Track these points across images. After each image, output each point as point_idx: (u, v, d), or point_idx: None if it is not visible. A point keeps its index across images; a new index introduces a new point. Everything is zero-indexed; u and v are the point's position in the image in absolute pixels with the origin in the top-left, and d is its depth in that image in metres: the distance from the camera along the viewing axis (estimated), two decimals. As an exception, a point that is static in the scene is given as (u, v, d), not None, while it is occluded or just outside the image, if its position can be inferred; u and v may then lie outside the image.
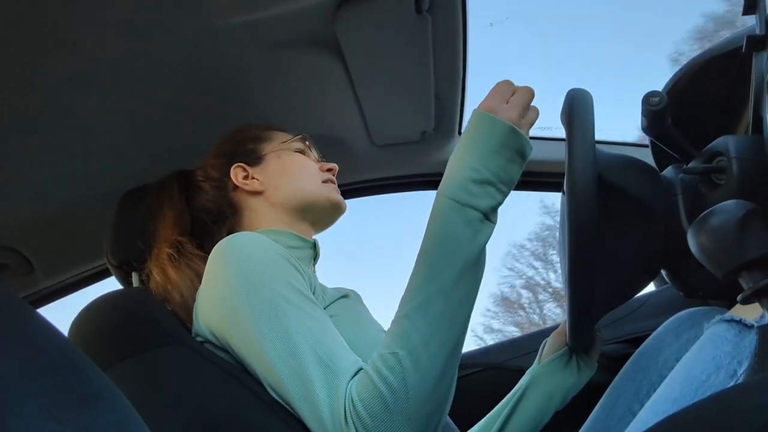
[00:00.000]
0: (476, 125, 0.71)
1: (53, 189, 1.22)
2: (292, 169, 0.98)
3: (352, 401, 0.62)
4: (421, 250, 0.68)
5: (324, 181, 0.98)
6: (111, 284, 1.17)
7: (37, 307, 1.47)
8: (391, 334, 0.65)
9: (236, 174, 0.98)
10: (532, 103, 0.75)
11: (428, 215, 0.70)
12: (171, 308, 0.87)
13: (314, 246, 0.96)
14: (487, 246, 0.70)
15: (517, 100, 0.73)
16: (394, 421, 0.60)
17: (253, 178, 0.97)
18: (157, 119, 1.15)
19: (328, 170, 1.01)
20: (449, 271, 0.65)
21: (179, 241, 0.90)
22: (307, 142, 1.04)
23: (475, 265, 0.67)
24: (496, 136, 0.70)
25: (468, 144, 0.71)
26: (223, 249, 0.76)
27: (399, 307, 0.67)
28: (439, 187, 0.70)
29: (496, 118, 0.70)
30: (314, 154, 1.05)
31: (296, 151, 1.01)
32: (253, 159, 0.99)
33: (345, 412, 0.61)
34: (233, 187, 0.98)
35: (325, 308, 0.79)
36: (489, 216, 0.69)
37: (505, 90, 0.74)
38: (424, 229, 0.69)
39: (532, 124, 0.74)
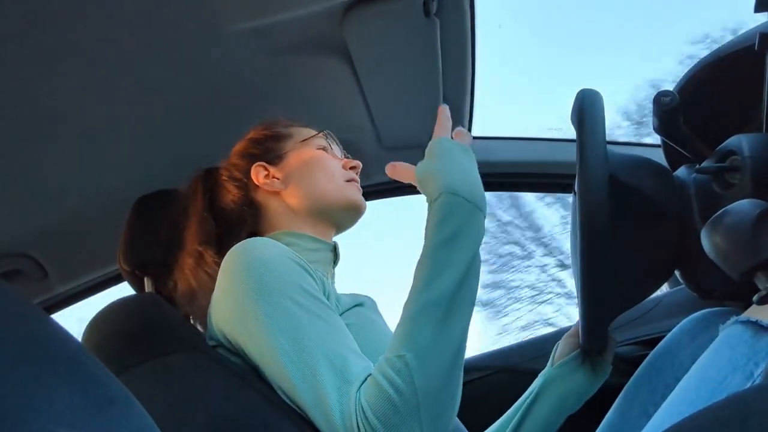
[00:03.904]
0: (444, 145, 0.79)
1: (66, 195, 1.23)
2: (313, 169, 0.95)
3: (362, 407, 0.62)
4: (425, 250, 0.70)
5: (347, 180, 0.96)
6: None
7: (51, 313, 1.49)
8: (397, 337, 0.66)
9: (257, 173, 0.96)
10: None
11: (428, 215, 0.72)
12: (188, 313, 0.87)
13: (334, 249, 0.95)
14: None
15: (459, 132, 0.82)
16: (404, 424, 0.60)
17: (274, 177, 0.95)
18: (169, 124, 1.16)
19: (352, 168, 0.98)
20: (454, 273, 0.67)
21: (199, 251, 0.90)
22: (329, 139, 1.01)
23: (476, 264, 0.70)
24: (463, 154, 0.78)
25: (445, 156, 0.77)
26: (235, 255, 0.76)
27: (404, 308, 0.68)
28: (437, 188, 0.72)
29: (456, 141, 0.80)
30: (337, 151, 1.02)
31: (318, 149, 0.98)
32: (274, 157, 0.97)
33: (355, 418, 0.61)
34: (254, 187, 0.96)
35: (339, 316, 0.78)
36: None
37: (448, 128, 0.82)
38: (427, 228, 0.71)
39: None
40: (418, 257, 0.70)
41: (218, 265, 0.85)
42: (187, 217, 0.96)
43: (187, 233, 0.94)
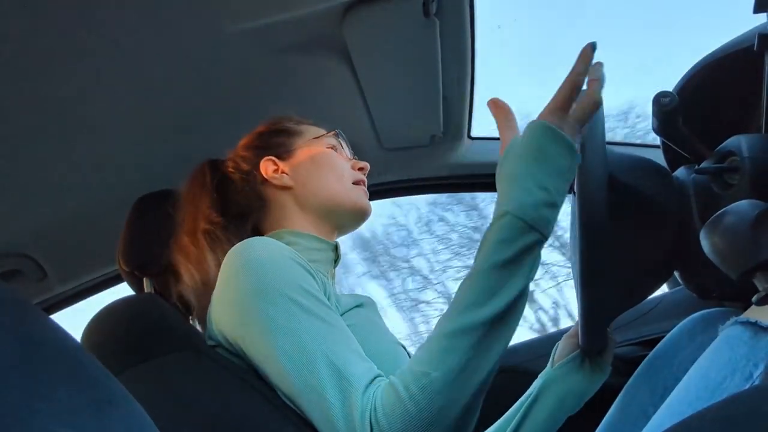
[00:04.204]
0: (545, 140, 0.67)
1: (66, 195, 1.23)
2: (322, 167, 0.95)
3: (375, 410, 0.61)
4: (479, 268, 0.65)
5: (355, 182, 0.96)
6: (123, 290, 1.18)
7: (51, 314, 1.49)
8: (428, 351, 0.63)
9: (266, 167, 0.95)
10: None
11: (489, 230, 0.66)
12: (188, 303, 0.87)
13: (336, 249, 0.95)
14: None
15: (580, 115, 0.69)
16: None
17: (282, 172, 0.95)
18: (169, 124, 1.16)
19: (360, 169, 0.98)
20: (503, 299, 0.63)
21: (216, 220, 0.89)
22: (339, 139, 1.01)
23: (526, 294, 0.66)
24: (564, 157, 0.67)
25: (538, 160, 0.67)
26: (234, 255, 0.76)
27: (441, 322, 0.65)
28: (507, 202, 0.66)
29: (565, 136, 0.67)
30: (346, 151, 1.02)
31: (328, 147, 0.98)
32: (284, 153, 0.97)
33: (367, 419, 0.61)
34: (262, 181, 0.96)
35: (340, 317, 0.78)
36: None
37: (570, 97, 0.69)
38: (484, 244, 0.66)
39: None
40: (474, 267, 0.66)
41: (227, 242, 0.85)
42: (191, 192, 0.95)
43: (193, 204, 0.93)
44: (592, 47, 0.71)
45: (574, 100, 0.70)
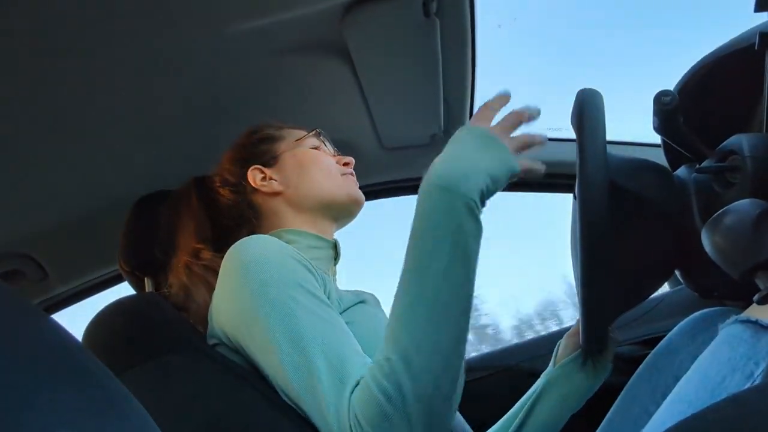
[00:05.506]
0: (459, 132, 0.74)
1: (66, 195, 1.23)
2: (309, 167, 0.97)
3: (354, 410, 0.61)
4: (406, 247, 0.67)
5: (342, 175, 0.98)
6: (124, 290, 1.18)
7: (51, 314, 1.49)
8: (385, 338, 0.64)
9: (254, 176, 0.97)
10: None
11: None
12: (186, 315, 0.87)
13: (335, 246, 0.96)
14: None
15: (503, 123, 0.76)
16: (394, 428, 0.59)
17: (271, 179, 0.97)
18: (169, 125, 1.16)
19: (345, 164, 1.00)
20: (434, 267, 0.63)
21: (197, 248, 0.91)
22: (321, 137, 1.03)
23: (464, 260, 0.64)
24: (478, 138, 0.72)
25: (453, 146, 0.72)
26: (234, 253, 0.76)
27: (390, 309, 0.66)
28: (426, 178, 0.69)
29: (479, 126, 0.74)
30: (329, 148, 1.04)
31: (312, 148, 1.00)
32: (269, 159, 0.98)
33: (352, 416, 0.61)
34: (252, 190, 0.97)
35: (341, 313, 0.78)
36: (475, 208, 0.66)
37: (488, 115, 0.76)
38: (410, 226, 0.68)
39: (521, 146, 0.75)
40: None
41: (214, 261, 0.85)
42: (179, 220, 0.97)
43: (181, 234, 0.95)
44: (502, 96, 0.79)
45: (491, 116, 0.77)
